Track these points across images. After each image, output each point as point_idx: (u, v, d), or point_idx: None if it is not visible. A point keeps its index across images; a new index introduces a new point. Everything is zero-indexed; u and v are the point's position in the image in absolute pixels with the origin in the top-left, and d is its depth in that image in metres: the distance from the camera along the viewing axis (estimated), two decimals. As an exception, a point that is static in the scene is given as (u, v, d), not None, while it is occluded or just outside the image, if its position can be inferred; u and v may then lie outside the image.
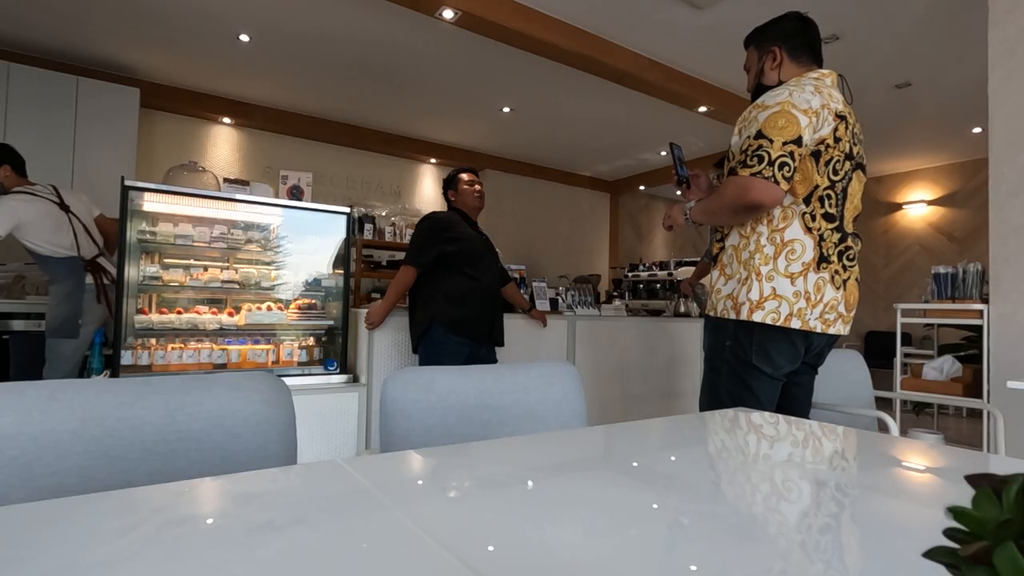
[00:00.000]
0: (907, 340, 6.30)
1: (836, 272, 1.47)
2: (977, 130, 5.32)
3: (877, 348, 6.56)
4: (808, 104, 1.40)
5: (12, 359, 3.08)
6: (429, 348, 2.52)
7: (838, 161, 1.44)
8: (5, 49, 4.04)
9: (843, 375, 1.90)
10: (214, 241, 2.83)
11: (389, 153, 6.08)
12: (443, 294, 2.53)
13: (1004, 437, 1.78)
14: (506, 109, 5.18)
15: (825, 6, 3.34)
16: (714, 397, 1.56)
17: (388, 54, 4.10)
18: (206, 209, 2.81)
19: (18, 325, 3.59)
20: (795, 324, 1.44)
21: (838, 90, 1.52)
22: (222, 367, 2.74)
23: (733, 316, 1.50)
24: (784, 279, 1.44)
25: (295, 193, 3.00)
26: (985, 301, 2.92)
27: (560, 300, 3.74)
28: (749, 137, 1.43)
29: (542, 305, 3.50)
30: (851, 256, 1.51)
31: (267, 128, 5.35)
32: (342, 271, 3.00)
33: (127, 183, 2.47)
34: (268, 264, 3.01)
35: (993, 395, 2.47)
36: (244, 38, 3.88)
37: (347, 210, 3.00)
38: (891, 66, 4.08)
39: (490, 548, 0.48)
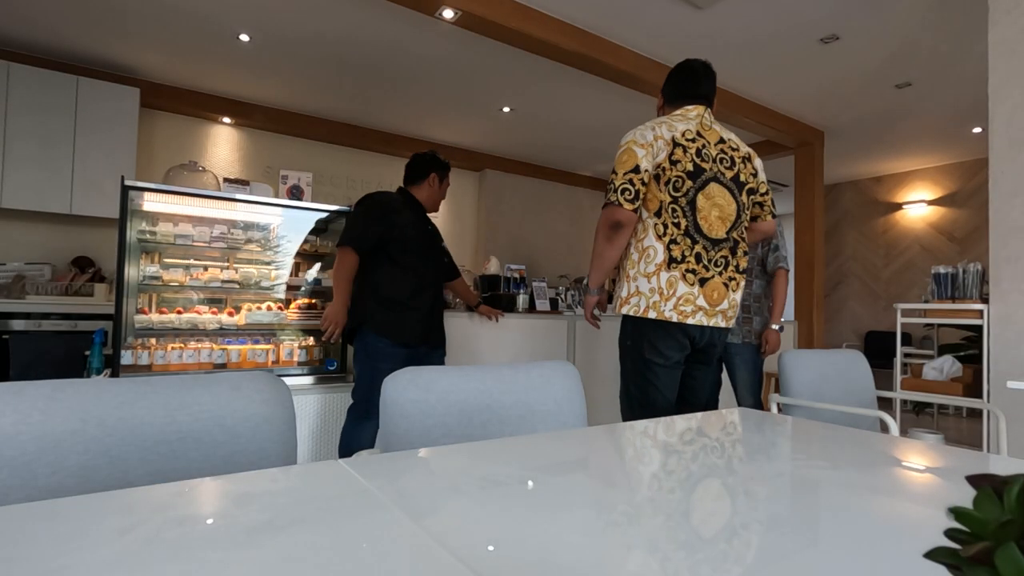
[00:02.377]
0: (907, 340, 6.30)
1: (690, 271, 1.74)
2: (977, 130, 5.32)
3: (877, 348, 6.56)
4: (645, 139, 1.72)
5: (12, 359, 3.08)
6: (361, 352, 2.37)
7: (678, 179, 1.73)
8: (5, 49, 4.04)
9: (845, 374, 1.90)
10: (214, 241, 2.83)
11: (389, 153, 6.07)
12: (375, 291, 2.36)
13: (1007, 437, 1.78)
14: (506, 109, 5.18)
15: (825, 6, 3.34)
16: (625, 389, 1.87)
17: (388, 54, 4.10)
18: (206, 209, 2.81)
19: (18, 325, 3.60)
20: (651, 315, 1.73)
21: (697, 121, 1.81)
22: (222, 367, 2.73)
23: (615, 310, 1.82)
24: (643, 278, 1.75)
25: (295, 193, 3.00)
26: (985, 301, 2.92)
27: (560, 300, 3.73)
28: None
29: (542, 305, 3.50)
30: (717, 260, 1.77)
31: (267, 128, 5.35)
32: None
33: (127, 183, 2.47)
34: (268, 264, 3.01)
35: (993, 395, 2.47)
36: (244, 38, 3.88)
37: (347, 210, 3.00)
38: (891, 66, 4.08)
39: (490, 548, 0.48)
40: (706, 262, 1.76)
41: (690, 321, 1.74)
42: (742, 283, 1.86)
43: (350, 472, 0.68)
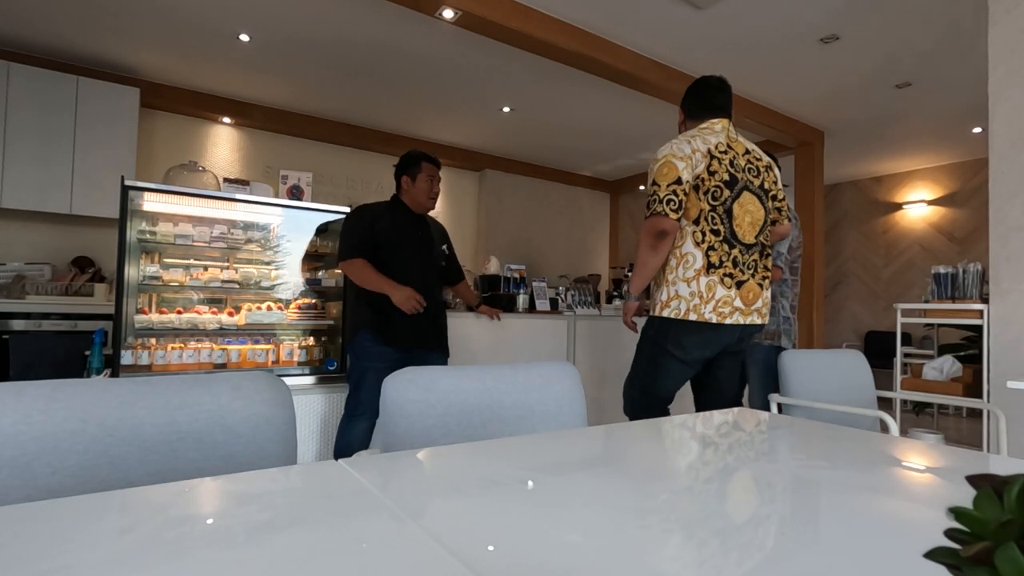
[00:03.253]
0: (907, 340, 6.30)
1: (728, 275, 1.84)
2: (977, 130, 5.32)
3: (877, 348, 6.56)
4: (683, 152, 1.83)
5: (12, 359, 3.08)
6: (350, 351, 2.42)
7: (716, 189, 1.83)
8: (5, 49, 4.04)
9: (846, 374, 1.90)
10: (214, 241, 2.83)
11: (389, 153, 6.07)
12: (366, 293, 2.38)
13: (1007, 437, 1.78)
14: (506, 109, 5.18)
15: (825, 6, 3.34)
16: (633, 373, 2.00)
17: (388, 54, 4.10)
18: (206, 209, 2.80)
19: (18, 325, 3.60)
20: (692, 317, 1.82)
21: (724, 133, 1.91)
22: (222, 367, 2.73)
23: (654, 313, 1.93)
24: (682, 283, 1.84)
25: (295, 193, 3.00)
26: (985, 301, 2.92)
27: (560, 300, 3.73)
28: (649, 186, 1.86)
29: (542, 305, 3.50)
30: (749, 264, 1.89)
31: (267, 128, 5.35)
32: (341, 271, 3.00)
33: (127, 183, 2.47)
34: (268, 264, 3.01)
35: (993, 395, 2.47)
36: (244, 38, 3.88)
37: (347, 210, 3.00)
38: (891, 66, 4.08)
39: (490, 548, 0.48)
40: (742, 266, 1.87)
41: (728, 321, 1.85)
42: (769, 280, 2.00)
43: (350, 472, 0.68)
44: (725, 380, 2.06)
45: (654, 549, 0.49)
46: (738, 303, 1.86)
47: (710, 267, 1.82)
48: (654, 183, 1.83)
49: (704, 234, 1.83)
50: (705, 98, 2.00)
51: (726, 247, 1.84)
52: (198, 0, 3.43)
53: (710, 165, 1.83)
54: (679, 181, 1.79)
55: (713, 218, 1.83)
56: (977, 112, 4.85)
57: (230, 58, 4.21)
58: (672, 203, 1.78)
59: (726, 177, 1.84)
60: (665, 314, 1.86)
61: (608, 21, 3.60)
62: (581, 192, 7.60)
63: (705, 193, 1.83)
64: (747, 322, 1.89)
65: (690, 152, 1.82)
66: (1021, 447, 2.34)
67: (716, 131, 1.91)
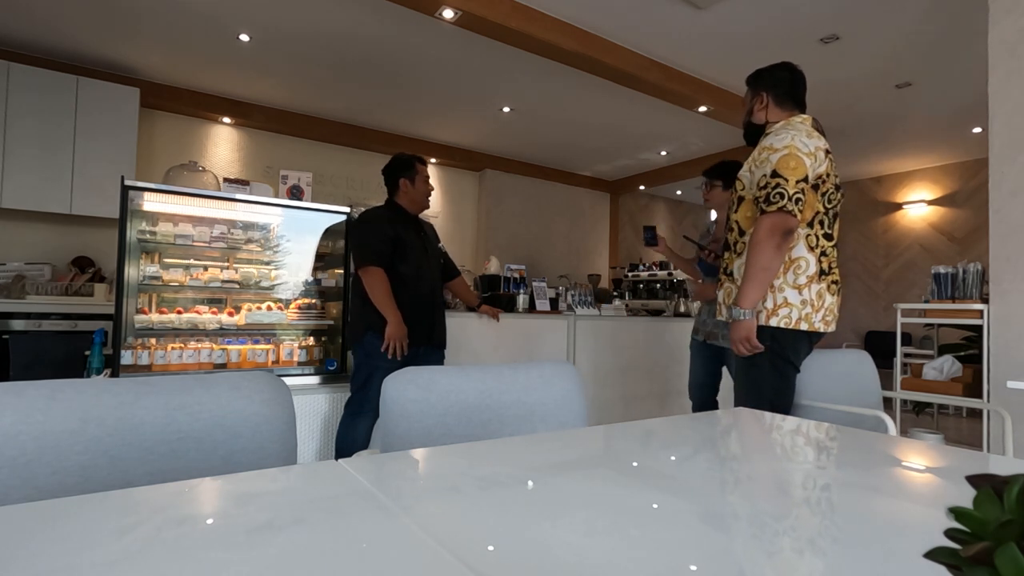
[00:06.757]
0: (907, 340, 6.30)
1: (835, 282, 1.75)
2: (977, 130, 5.32)
3: (877, 348, 6.56)
4: (808, 148, 1.68)
5: (12, 359, 3.08)
6: (360, 350, 2.43)
7: (832, 191, 1.74)
8: (5, 49, 4.04)
9: (851, 374, 1.90)
10: (214, 241, 2.83)
11: (389, 153, 5.98)
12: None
13: (1012, 438, 1.78)
14: (506, 109, 5.18)
15: (825, 6, 3.34)
16: (755, 391, 1.76)
17: (388, 54, 4.09)
18: (206, 209, 2.80)
19: (18, 325, 3.60)
20: (803, 327, 1.70)
21: (817, 131, 1.79)
22: (222, 367, 2.73)
23: (759, 323, 1.73)
24: (792, 290, 1.70)
25: (295, 193, 2.99)
26: (985, 301, 2.92)
27: (560, 300, 3.73)
28: (765, 175, 1.68)
29: (542, 305, 3.50)
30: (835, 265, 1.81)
31: (267, 128, 5.35)
32: (342, 271, 3.00)
33: (127, 183, 2.47)
34: (268, 264, 3.01)
35: (993, 395, 2.47)
36: (244, 38, 3.88)
37: (347, 210, 3.00)
38: (891, 66, 4.08)
39: (490, 548, 0.48)
40: (838, 271, 1.78)
41: (829, 329, 1.75)
42: None
43: (350, 472, 0.68)
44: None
45: (654, 549, 0.49)
46: (836, 310, 1.77)
47: (822, 274, 1.72)
48: (777, 175, 1.65)
49: (818, 238, 1.72)
50: (799, 90, 1.86)
51: (834, 253, 1.76)
52: (198, 0, 3.43)
53: (828, 165, 1.73)
54: (806, 179, 1.65)
55: (824, 221, 1.73)
56: (977, 112, 4.85)
57: (230, 58, 4.21)
58: (800, 202, 1.63)
59: (836, 180, 1.75)
60: (773, 323, 1.70)
61: (608, 21, 3.60)
62: (581, 192, 7.60)
63: (823, 195, 1.71)
64: (831, 330, 1.79)
65: (813, 149, 1.69)
66: (1019, 448, 2.34)
67: (812, 130, 1.77)
